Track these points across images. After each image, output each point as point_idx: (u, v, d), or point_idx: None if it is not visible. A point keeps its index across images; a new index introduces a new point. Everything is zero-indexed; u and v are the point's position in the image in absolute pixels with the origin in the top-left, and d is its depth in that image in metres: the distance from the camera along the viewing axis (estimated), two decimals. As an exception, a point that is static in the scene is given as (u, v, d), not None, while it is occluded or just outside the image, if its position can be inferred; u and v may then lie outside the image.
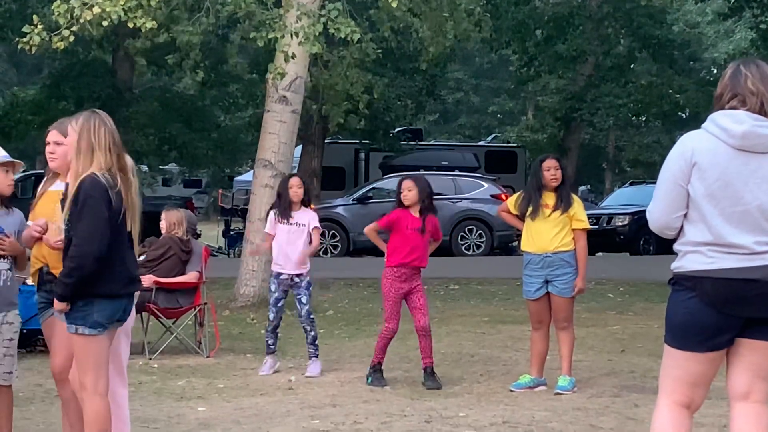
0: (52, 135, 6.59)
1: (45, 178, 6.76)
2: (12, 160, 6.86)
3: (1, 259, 6.68)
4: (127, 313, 6.18)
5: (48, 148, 6.59)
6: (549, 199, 9.44)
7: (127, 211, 5.97)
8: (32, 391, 9.18)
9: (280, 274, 10.51)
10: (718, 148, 4.94)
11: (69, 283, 5.87)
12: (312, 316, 10.51)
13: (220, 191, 38.25)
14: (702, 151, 4.96)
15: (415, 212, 9.79)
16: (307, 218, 10.51)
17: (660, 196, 5.11)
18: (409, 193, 9.79)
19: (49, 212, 6.42)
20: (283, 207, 10.48)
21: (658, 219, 5.12)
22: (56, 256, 6.26)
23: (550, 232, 9.38)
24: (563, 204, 9.39)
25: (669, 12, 36.06)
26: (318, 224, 10.58)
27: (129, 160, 6.13)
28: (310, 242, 10.53)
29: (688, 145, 5.02)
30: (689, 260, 5.05)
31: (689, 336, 5.09)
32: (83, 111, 6.20)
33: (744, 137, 4.91)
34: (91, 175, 5.89)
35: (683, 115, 38.30)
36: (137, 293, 6.40)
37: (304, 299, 10.46)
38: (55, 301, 5.99)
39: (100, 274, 5.88)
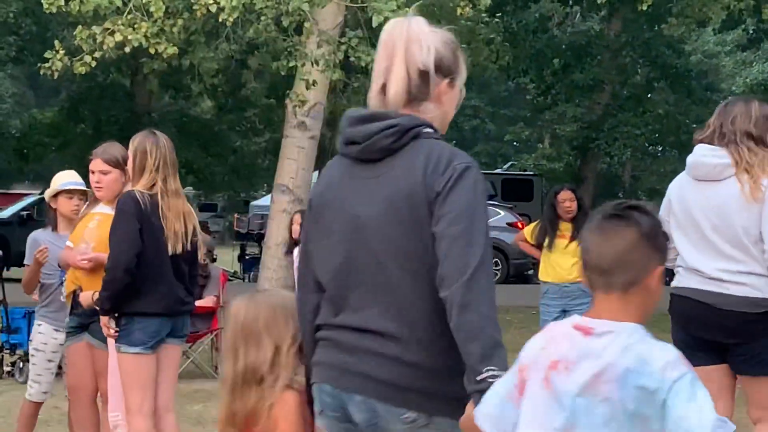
0: (97, 164, 6.50)
1: (88, 201, 6.80)
2: (75, 187, 6.97)
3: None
4: (180, 331, 6.19)
5: (93, 178, 6.52)
6: (566, 229, 9.46)
7: (168, 234, 5.98)
8: (49, 414, 9.22)
9: None
10: (685, 182, 5.35)
11: (104, 297, 5.94)
12: None
13: (236, 216, 38.30)
14: (674, 186, 5.44)
15: None
16: None
17: None
18: None
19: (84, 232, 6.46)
20: (290, 244, 10.51)
21: None
22: (89, 279, 6.30)
23: (568, 263, 9.39)
24: (581, 234, 9.41)
25: (687, 42, 36.11)
26: None
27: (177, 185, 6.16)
28: None
29: (672, 183, 5.50)
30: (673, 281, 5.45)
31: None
32: (142, 132, 6.21)
33: (692, 167, 5.30)
34: (128, 191, 5.96)
35: (700, 145, 38.31)
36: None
37: None
38: (102, 323, 6.06)
39: (138, 291, 5.91)
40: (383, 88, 3.32)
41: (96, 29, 13.90)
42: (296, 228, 10.47)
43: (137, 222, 5.87)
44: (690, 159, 5.33)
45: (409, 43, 3.27)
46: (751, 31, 30.69)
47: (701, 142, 5.34)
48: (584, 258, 2.84)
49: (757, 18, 27.19)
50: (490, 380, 3.02)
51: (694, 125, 32.52)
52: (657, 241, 2.82)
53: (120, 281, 5.86)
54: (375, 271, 3.23)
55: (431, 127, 3.29)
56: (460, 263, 3.09)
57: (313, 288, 3.42)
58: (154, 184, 5.98)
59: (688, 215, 5.28)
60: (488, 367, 3.04)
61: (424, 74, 3.28)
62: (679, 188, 5.39)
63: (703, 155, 5.26)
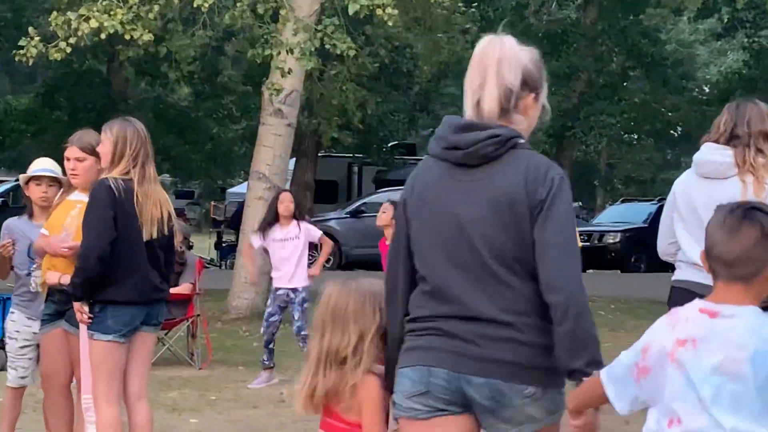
0: (72, 151, 6.48)
1: (62, 188, 6.77)
2: (42, 174, 6.93)
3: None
4: (155, 319, 6.19)
5: (68, 165, 6.50)
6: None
7: (144, 220, 5.98)
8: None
9: (277, 289, 10.55)
10: (690, 179, 5.47)
11: (76, 283, 5.92)
12: (304, 333, 10.46)
13: (213, 203, 38.21)
14: (679, 182, 5.55)
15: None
16: (301, 230, 10.53)
17: (660, 225, 5.69)
18: (383, 214, 9.84)
19: (63, 221, 6.44)
20: (269, 221, 10.53)
21: (657, 246, 5.69)
22: (67, 266, 6.29)
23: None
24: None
25: (662, 31, 36.20)
26: (318, 233, 10.74)
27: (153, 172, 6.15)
28: (311, 256, 10.61)
29: (678, 179, 5.63)
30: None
31: None
32: (117, 119, 6.20)
33: (699, 164, 5.43)
34: (102, 179, 5.95)
35: (675, 133, 38.43)
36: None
37: (296, 315, 10.49)
38: (76, 309, 6.05)
39: (112, 279, 5.90)
40: (478, 103, 3.71)
41: (71, 15, 13.86)
42: (284, 207, 10.49)
43: (111, 210, 5.86)
44: (697, 156, 5.44)
45: (500, 63, 3.72)
46: (725, 20, 30.79)
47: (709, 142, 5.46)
48: (709, 250, 3.22)
49: (731, 7, 27.31)
50: None
51: (670, 113, 32.70)
52: None
53: (92, 269, 5.85)
54: (480, 267, 3.60)
55: (522, 137, 3.72)
56: (568, 272, 3.54)
57: (405, 280, 3.78)
58: (128, 171, 5.98)
59: (692, 211, 5.37)
60: (596, 372, 3.46)
61: (512, 91, 3.71)
62: (684, 184, 5.49)
63: (711, 153, 5.37)
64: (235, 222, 24.16)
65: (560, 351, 3.51)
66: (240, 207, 19.87)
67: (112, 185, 5.88)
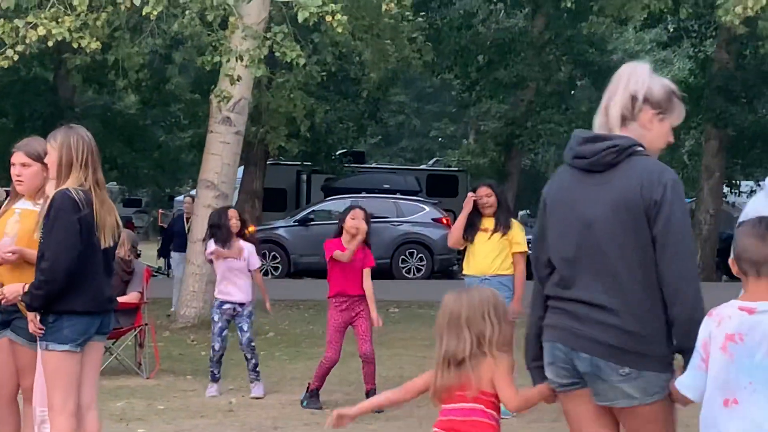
0: (18, 157, 6.44)
1: (8, 196, 6.70)
2: None
3: None
4: (106, 328, 6.15)
5: (14, 171, 6.46)
6: (488, 223, 9.56)
7: (101, 228, 5.96)
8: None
9: (223, 303, 10.49)
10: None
11: (38, 295, 5.87)
12: (253, 344, 10.49)
13: (160, 211, 38.04)
14: (757, 206, 5.69)
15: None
16: (246, 250, 10.51)
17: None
18: (353, 221, 9.80)
19: (4, 228, 6.38)
20: (223, 238, 10.47)
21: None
22: (11, 274, 6.24)
23: (490, 256, 9.48)
24: (502, 227, 9.51)
25: (609, 41, 36.47)
26: (258, 263, 10.72)
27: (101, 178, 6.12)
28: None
29: (753, 203, 5.78)
30: None
31: None
32: (60, 128, 6.15)
33: None
34: (63, 190, 5.90)
35: (622, 141, 38.73)
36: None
37: (245, 327, 10.46)
38: (29, 319, 5.98)
39: (70, 289, 5.86)
40: (606, 108, 4.37)
41: (19, 23, 13.76)
42: (234, 223, 10.51)
43: (77, 222, 5.83)
44: None
45: (631, 76, 4.36)
46: (671, 30, 31.07)
47: None
48: (740, 254, 3.97)
49: (676, 17, 27.55)
50: None
51: (617, 122, 32.89)
52: None
53: (59, 282, 5.81)
54: (600, 259, 4.26)
55: (641, 146, 4.31)
56: (684, 267, 4.19)
57: (545, 265, 4.47)
58: (84, 179, 5.95)
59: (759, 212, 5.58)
60: None
61: (634, 99, 4.33)
62: (756, 204, 5.61)
63: None
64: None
65: (677, 333, 4.16)
66: (179, 216, 19.63)
67: (74, 196, 5.85)
